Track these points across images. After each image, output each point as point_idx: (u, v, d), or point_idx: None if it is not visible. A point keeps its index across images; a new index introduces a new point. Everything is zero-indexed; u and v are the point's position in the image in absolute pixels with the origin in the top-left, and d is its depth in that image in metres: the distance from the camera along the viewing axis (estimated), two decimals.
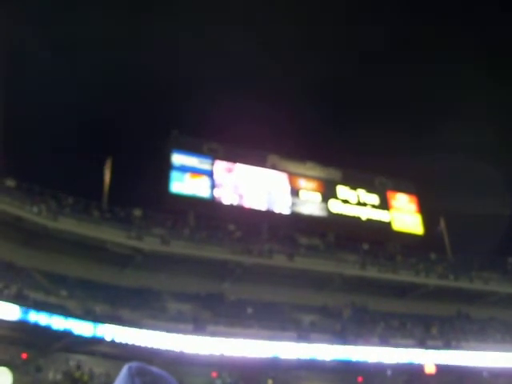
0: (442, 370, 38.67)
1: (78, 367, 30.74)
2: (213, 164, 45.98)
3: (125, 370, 1.30)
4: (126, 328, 31.49)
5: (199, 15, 51.55)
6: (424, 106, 59.84)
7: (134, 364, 1.28)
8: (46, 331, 28.96)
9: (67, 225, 35.30)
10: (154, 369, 1.31)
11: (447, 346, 40.89)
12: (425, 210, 52.36)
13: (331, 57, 55.17)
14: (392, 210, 51.35)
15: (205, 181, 45.04)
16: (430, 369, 38.75)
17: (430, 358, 39.04)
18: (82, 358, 31.95)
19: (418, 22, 56.20)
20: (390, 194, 52.31)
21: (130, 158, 44.81)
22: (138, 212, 41.25)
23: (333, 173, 50.75)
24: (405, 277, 45.63)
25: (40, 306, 29.39)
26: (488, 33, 55.69)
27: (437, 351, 39.76)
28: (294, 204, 47.29)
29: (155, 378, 1.28)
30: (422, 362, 38.79)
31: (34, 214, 34.32)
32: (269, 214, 46.00)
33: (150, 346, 31.74)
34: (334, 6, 48.65)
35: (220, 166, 46.19)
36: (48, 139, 47.70)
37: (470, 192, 53.22)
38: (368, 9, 52.64)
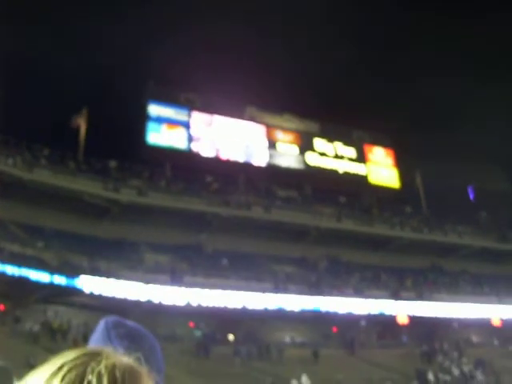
0: (415, 320, 39.62)
1: (56, 317, 30.90)
2: (190, 115, 45.54)
3: (101, 323, 1.37)
4: (104, 279, 31.60)
5: None
6: (404, 57, 59.61)
7: (110, 318, 1.36)
8: (24, 282, 28.96)
9: (43, 176, 34.97)
10: (130, 322, 1.38)
11: (420, 297, 41.72)
12: (401, 164, 52.73)
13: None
14: (369, 164, 51.56)
15: (182, 132, 44.68)
16: (402, 319, 39.67)
17: (402, 309, 39.91)
18: (60, 308, 32.08)
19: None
20: (367, 148, 52.41)
21: (105, 108, 44.25)
22: (113, 163, 40.96)
23: (310, 125, 50.61)
24: (380, 230, 46.18)
25: (17, 258, 29.31)
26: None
27: (409, 302, 40.60)
28: (271, 156, 47.26)
29: (130, 330, 1.35)
30: (394, 313, 39.65)
31: (9, 165, 33.93)
32: (246, 166, 45.97)
33: (127, 296, 31.93)
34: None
35: (197, 117, 45.76)
36: (23, 90, 46.90)
37: (447, 147, 53.64)
38: None
